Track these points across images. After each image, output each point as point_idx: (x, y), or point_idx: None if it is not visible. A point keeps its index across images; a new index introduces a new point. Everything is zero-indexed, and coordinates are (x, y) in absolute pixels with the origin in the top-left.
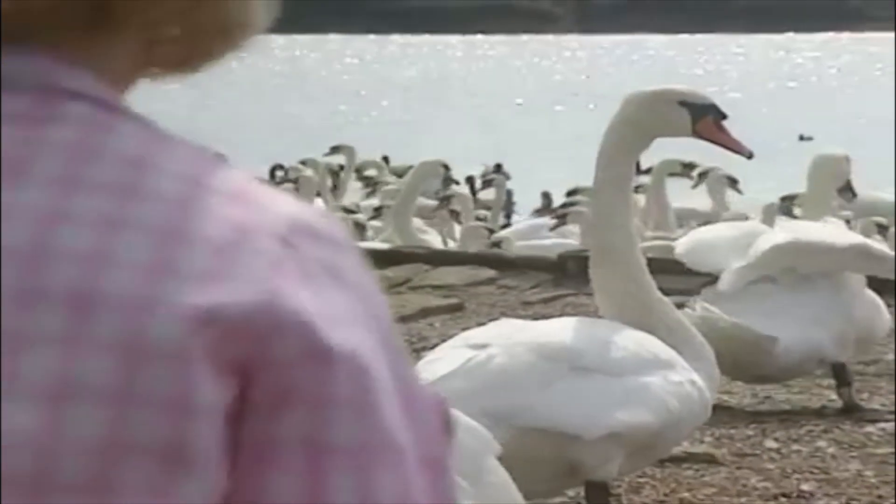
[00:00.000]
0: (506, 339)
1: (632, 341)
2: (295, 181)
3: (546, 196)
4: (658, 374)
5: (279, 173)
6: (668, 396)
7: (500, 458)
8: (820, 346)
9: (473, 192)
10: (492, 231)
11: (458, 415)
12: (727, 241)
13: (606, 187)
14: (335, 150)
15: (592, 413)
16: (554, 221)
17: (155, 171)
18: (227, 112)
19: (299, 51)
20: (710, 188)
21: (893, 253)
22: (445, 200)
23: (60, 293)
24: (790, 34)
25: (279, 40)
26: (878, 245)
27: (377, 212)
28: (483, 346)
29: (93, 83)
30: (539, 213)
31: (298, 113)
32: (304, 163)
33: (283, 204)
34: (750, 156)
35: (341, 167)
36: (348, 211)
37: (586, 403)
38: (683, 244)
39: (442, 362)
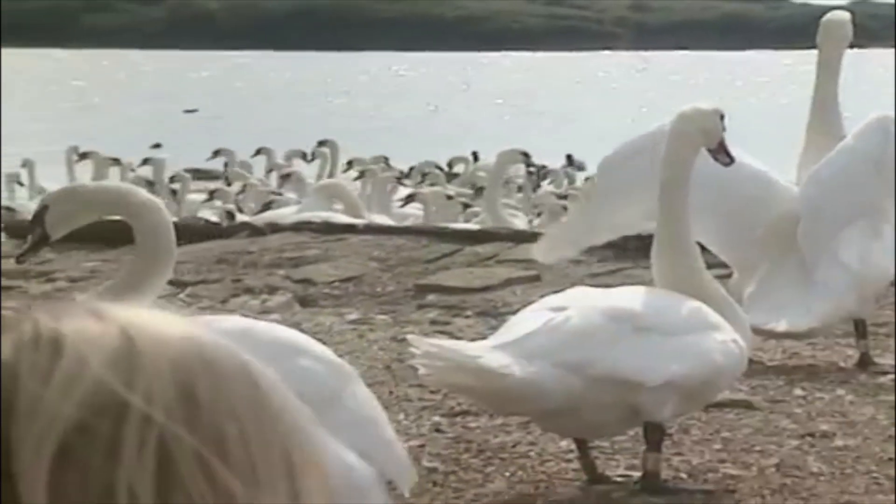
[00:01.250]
0: (579, 303)
1: (684, 307)
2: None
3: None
4: (705, 333)
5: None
6: (713, 352)
7: (575, 404)
8: (850, 308)
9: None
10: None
11: (317, 347)
12: None
13: (669, 187)
14: (322, 143)
15: (651, 364)
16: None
17: None
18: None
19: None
20: None
21: None
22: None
23: None
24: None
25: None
26: None
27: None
28: (560, 309)
29: None
30: None
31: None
32: (322, 143)
33: None
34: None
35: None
36: (449, 197)
37: (646, 357)
38: None
39: (527, 322)
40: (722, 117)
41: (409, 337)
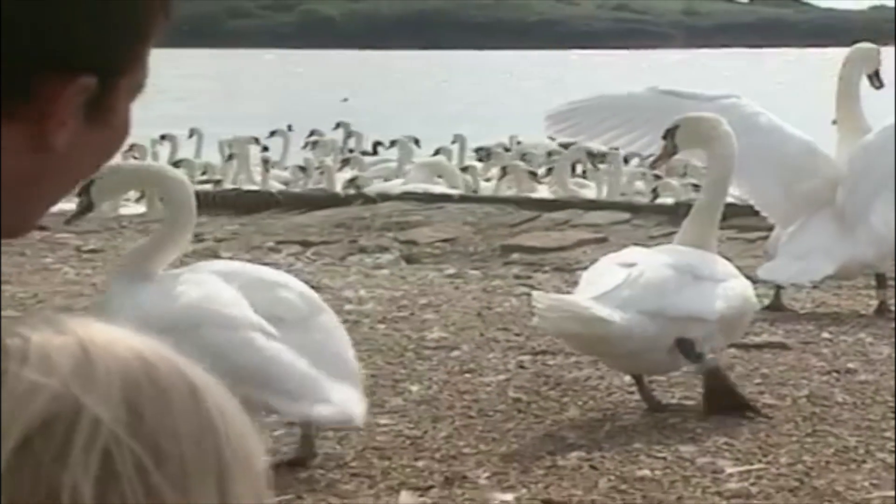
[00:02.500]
0: (648, 260)
1: (719, 262)
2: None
3: None
4: (736, 280)
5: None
6: (746, 293)
7: (652, 344)
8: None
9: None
10: None
11: (295, 283)
12: None
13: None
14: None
15: (709, 304)
16: None
17: None
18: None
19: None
20: None
21: None
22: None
23: None
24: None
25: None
26: None
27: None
28: (632, 265)
29: None
30: None
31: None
32: (338, 125)
33: None
34: None
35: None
36: (532, 174)
37: (705, 298)
38: None
39: (608, 277)
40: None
41: (533, 293)
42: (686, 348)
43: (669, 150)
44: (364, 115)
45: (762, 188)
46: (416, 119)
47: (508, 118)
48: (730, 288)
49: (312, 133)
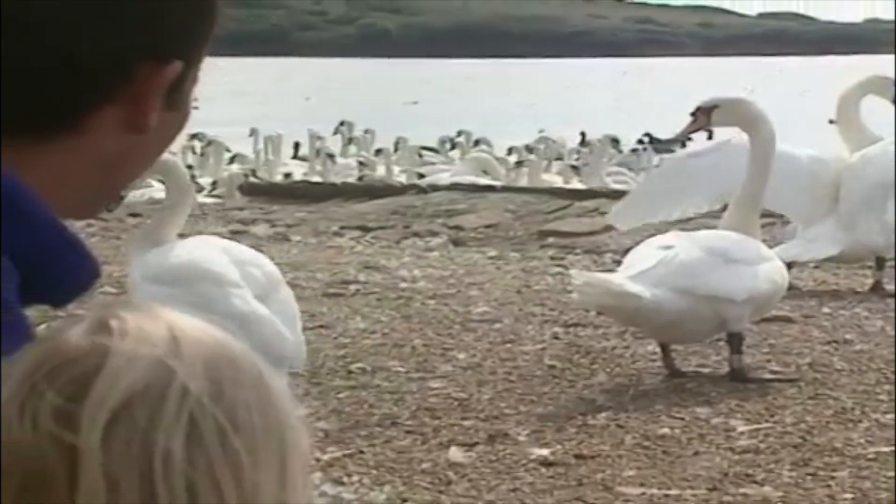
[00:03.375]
0: (685, 243)
1: (752, 244)
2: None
3: None
4: (770, 263)
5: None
6: (775, 276)
7: (682, 318)
8: (876, 246)
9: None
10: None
11: (263, 261)
12: None
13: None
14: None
15: (738, 285)
16: None
17: None
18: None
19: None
20: None
21: None
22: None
23: None
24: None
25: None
26: None
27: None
28: (668, 248)
29: None
30: None
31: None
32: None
33: None
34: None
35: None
36: (574, 167)
37: (735, 280)
38: None
39: (647, 258)
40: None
41: (571, 272)
42: (735, 343)
43: (701, 125)
44: (433, 117)
45: (783, 195)
46: (502, 119)
47: (573, 116)
48: (761, 271)
49: (367, 131)
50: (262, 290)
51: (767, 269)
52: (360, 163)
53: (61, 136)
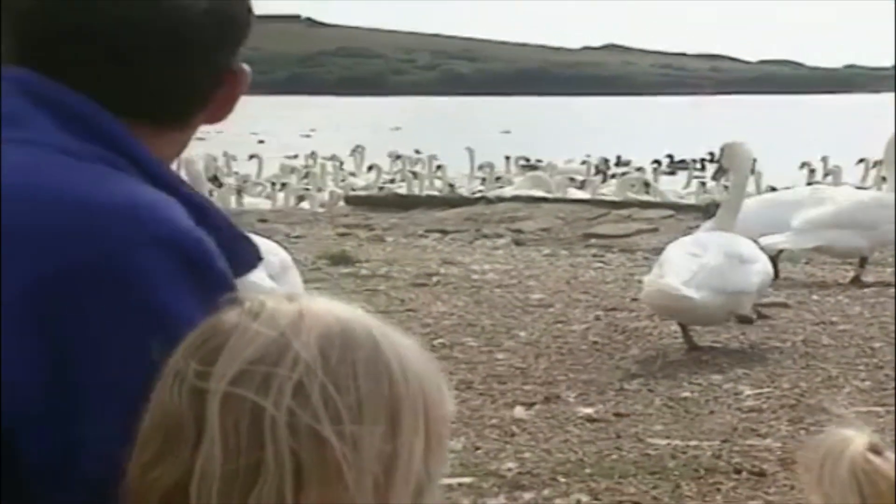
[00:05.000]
0: (710, 250)
1: (750, 245)
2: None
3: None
4: (764, 259)
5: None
6: (768, 269)
7: (715, 311)
8: (860, 247)
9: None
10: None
11: (279, 251)
12: None
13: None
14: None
15: (750, 281)
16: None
17: None
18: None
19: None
20: None
21: None
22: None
23: None
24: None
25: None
26: None
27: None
28: (697, 255)
29: None
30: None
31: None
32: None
33: None
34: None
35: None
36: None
37: (748, 277)
38: None
39: (681, 265)
40: None
41: (644, 279)
42: (745, 320)
43: (724, 168)
44: (522, 142)
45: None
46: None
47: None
48: (760, 266)
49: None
50: (275, 272)
51: (763, 265)
52: (450, 185)
53: (173, 132)
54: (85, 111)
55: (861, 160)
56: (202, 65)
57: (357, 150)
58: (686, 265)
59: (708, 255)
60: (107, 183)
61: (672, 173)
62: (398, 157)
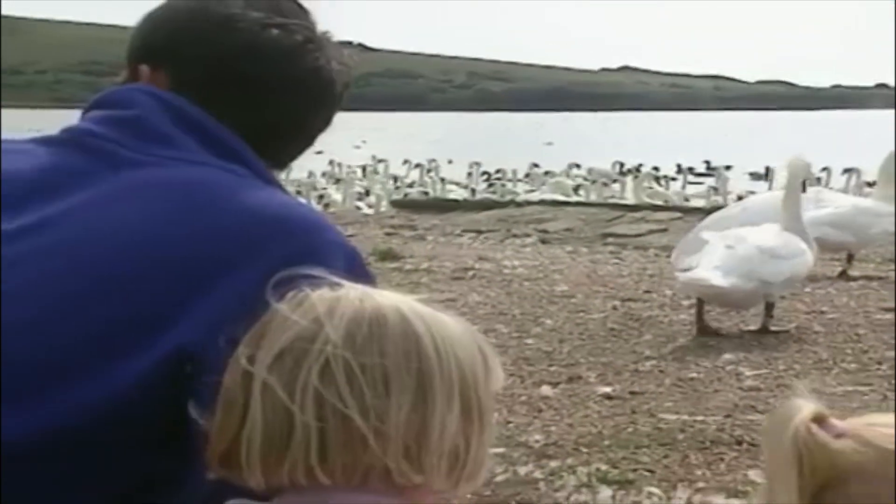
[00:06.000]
0: (746, 242)
1: (794, 242)
2: None
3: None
4: (803, 256)
5: None
6: (802, 269)
7: (743, 297)
8: (848, 243)
9: None
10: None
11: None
12: None
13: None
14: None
15: (778, 274)
16: None
17: None
18: None
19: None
20: None
21: None
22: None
23: None
24: None
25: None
26: None
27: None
28: (732, 247)
29: None
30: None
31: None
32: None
33: None
34: None
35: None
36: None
37: (777, 271)
38: None
39: (714, 254)
40: None
41: (680, 276)
42: (769, 309)
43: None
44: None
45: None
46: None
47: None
48: (795, 263)
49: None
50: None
51: (801, 262)
52: (472, 190)
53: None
54: (223, 136)
55: (847, 170)
56: (324, 123)
57: (405, 162)
58: (717, 252)
59: (741, 246)
60: (275, 195)
61: (674, 179)
62: (422, 164)
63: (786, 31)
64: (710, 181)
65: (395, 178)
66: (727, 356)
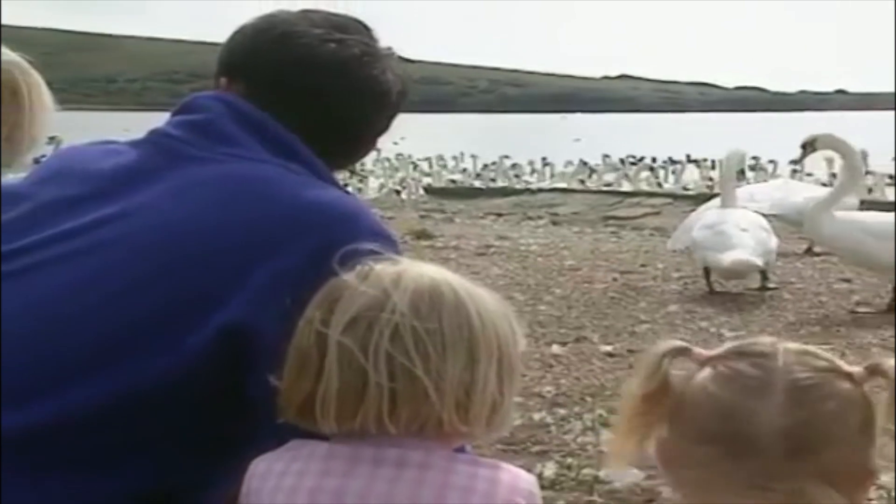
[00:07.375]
0: (755, 227)
1: (759, 218)
2: None
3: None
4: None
5: None
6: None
7: (755, 268)
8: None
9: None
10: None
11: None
12: None
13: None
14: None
15: (774, 245)
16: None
17: None
18: None
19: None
20: None
21: None
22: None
23: None
24: None
25: None
26: None
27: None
28: (746, 230)
29: None
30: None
31: None
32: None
33: None
34: None
35: None
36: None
37: (774, 242)
38: None
39: (745, 239)
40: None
41: (724, 257)
42: (765, 276)
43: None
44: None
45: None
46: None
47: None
48: (773, 236)
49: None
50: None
51: (773, 235)
52: (492, 179)
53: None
54: (283, 137)
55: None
56: (383, 127)
57: (437, 157)
58: (745, 238)
59: (754, 231)
60: (327, 189)
61: (663, 169)
62: (444, 158)
63: (762, 44)
64: (696, 172)
65: (430, 167)
66: (710, 320)
